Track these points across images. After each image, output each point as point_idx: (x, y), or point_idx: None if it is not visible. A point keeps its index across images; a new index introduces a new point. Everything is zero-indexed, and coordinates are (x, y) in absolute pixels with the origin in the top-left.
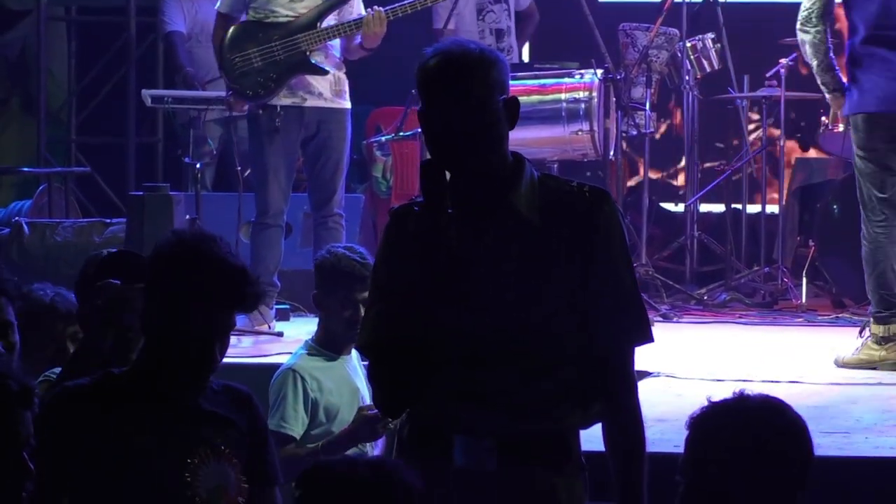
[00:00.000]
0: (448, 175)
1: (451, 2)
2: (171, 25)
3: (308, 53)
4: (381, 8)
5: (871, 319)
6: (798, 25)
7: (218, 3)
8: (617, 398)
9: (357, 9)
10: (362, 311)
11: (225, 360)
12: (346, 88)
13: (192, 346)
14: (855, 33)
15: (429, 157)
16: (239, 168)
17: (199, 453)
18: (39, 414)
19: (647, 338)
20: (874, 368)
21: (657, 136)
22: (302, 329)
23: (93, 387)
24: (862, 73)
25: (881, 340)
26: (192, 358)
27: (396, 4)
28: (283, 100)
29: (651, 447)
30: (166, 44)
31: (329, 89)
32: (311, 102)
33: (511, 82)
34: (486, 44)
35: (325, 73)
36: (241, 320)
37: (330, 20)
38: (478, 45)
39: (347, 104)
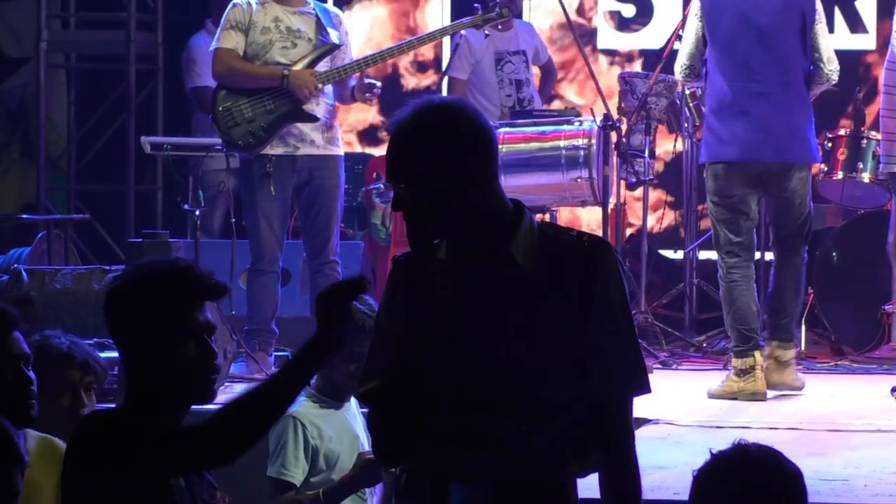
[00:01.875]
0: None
1: (468, 52)
2: (204, 79)
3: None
4: (375, 83)
5: (732, 354)
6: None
7: (215, 42)
8: (614, 447)
9: (349, 54)
10: None
11: None
12: (339, 136)
13: (195, 351)
14: (716, 86)
15: None
16: (234, 220)
17: (217, 497)
18: (75, 448)
19: (645, 388)
20: (735, 398)
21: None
22: None
23: (122, 419)
24: (721, 124)
25: (740, 373)
26: (198, 364)
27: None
28: (275, 149)
29: (651, 494)
30: (198, 98)
31: (321, 136)
32: (304, 150)
33: (511, 129)
34: (504, 93)
35: (315, 119)
36: (239, 367)
37: (322, 67)
38: (416, 116)
39: (340, 151)
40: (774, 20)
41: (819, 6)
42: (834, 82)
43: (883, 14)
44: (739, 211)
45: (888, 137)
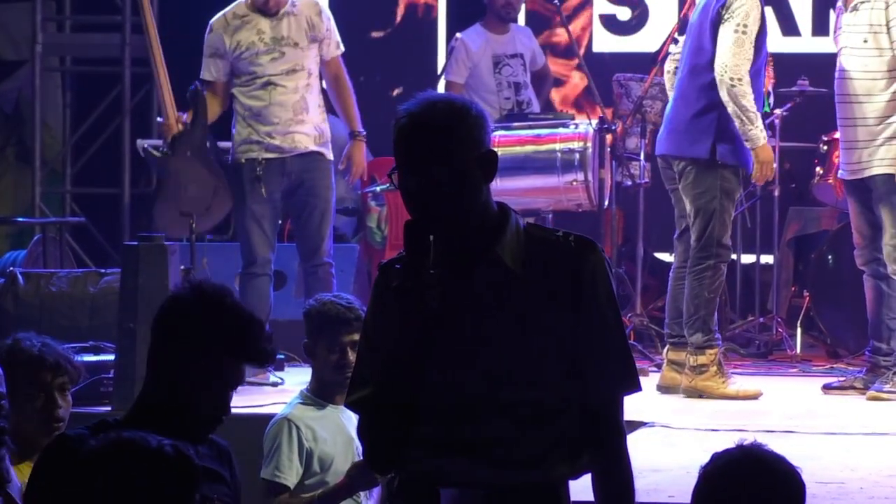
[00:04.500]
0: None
1: (465, 55)
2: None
3: None
4: None
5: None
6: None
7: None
8: (606, 448)
9: (333, 38)
10: (350, 354)
11: None
12: (329, 140)
13: (203, 394)
14: None
15: None
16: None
17: None
18: (37, 462)
19: (635, 387)
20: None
21: None
22: (296, 379)
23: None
24: None
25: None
26: (201, 405)
27: None
28: (266, 153)
29: (646, 497)
30: None
31: (313, 143)
32: (294, 149)
33: (506, 132)
34: (503, 96)
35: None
36: None
37: (282, 65)
38: (447, 101)
39: (330, 155)
40: (695, 20)
41: (736, 8)
42: (724, 82)
43: None
44: (675, 204)
45: (846, 146)
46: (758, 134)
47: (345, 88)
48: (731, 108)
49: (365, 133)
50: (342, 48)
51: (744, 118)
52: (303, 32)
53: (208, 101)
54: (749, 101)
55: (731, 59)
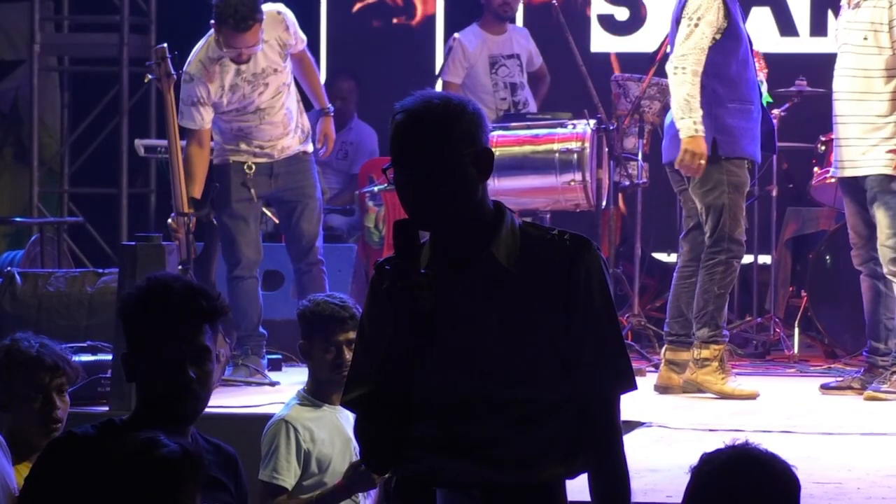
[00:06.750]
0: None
1: (462, 56)
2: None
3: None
4: None
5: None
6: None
7: (186, 121)
8: (602, 447)
9: (298, 39)
10: (345, 353)
11: (218, 410)
12: (309, 130)
13: (169, 373)
14: None
15: None
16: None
17: None
18: (40, 458)
19: (631, 386)
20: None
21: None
22: (294, 379)
23: (96, 436)
24: None
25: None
26: (172, 387)
27: None
28: (255, 159)
29: (643, 497)
30: None
31: (298, 143)
32: (280, 157)
33: (504, 132)
34: (499, 97)
35: None
36: (234, 371)
37: (267, 94)
38: (444, 99)
39: (311, 147)
40: (671, 28)
41: (690, 8)
42: (668, 70)
43: None
44: (684, 204)
45: (840, 143)
46: (688, 125)
47: (312, 72)
48: (672, 95)
49: (333, 109)
50: (305, 38)
51: (677, 106)
52: (277, 55)
53: (195, 153)
54: (689, 90)
55: (678, 50)
